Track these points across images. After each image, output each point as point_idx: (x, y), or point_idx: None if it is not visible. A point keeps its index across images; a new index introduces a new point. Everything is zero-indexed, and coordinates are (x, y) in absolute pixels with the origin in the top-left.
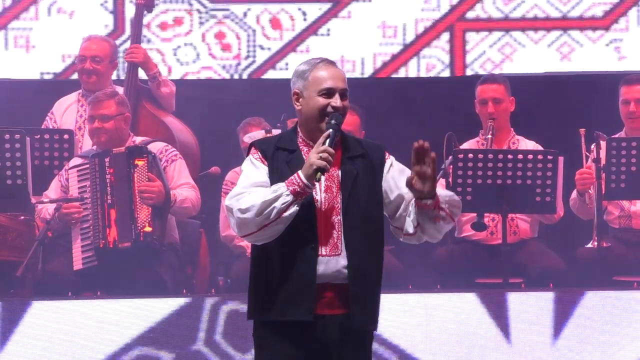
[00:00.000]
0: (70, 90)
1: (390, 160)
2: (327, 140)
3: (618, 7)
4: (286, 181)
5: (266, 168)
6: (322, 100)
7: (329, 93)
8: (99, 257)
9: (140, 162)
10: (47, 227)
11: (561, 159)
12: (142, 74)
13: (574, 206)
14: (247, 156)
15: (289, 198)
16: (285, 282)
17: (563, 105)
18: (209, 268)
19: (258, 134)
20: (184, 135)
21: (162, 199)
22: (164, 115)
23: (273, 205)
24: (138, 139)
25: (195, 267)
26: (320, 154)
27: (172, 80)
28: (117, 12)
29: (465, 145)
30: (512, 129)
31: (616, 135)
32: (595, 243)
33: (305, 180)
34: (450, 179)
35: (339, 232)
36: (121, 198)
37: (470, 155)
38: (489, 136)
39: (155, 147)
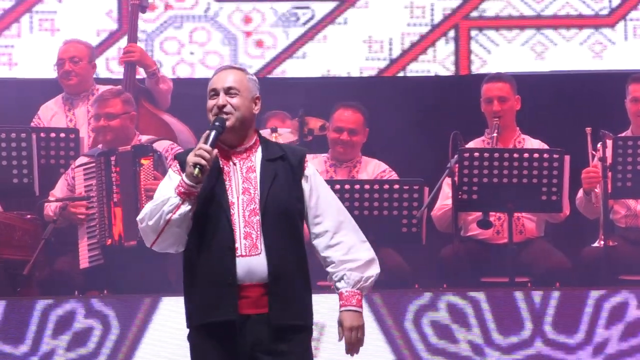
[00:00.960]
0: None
1: (310, 169)
2: (209, 140)
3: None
4: (176, 185)
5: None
6: (210, 102)
7: (214, 94)
8: (105, 256)
9: (145, 161)
10: (53, 225)
11: (567, 158)
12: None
13: (580, 205)
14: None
15: (176, 200)
16: (207, 285)
17: (569, 104)
18: None
19: (264, 132)
20: (183, 134)
21: None
22: (163, 114)
23: (162, 209)
24: (144, 138)
25: None
26: (195, 152)
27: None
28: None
29: (471, 144)
30: (517, 128)
31: (622, 134)
32: (602, 242)
33: (186, 180)
34: (455, 178)
35: (258, 232)
36: (127, 196)
37: (476, 154)
38: (495, 135)
39: (161, 145)
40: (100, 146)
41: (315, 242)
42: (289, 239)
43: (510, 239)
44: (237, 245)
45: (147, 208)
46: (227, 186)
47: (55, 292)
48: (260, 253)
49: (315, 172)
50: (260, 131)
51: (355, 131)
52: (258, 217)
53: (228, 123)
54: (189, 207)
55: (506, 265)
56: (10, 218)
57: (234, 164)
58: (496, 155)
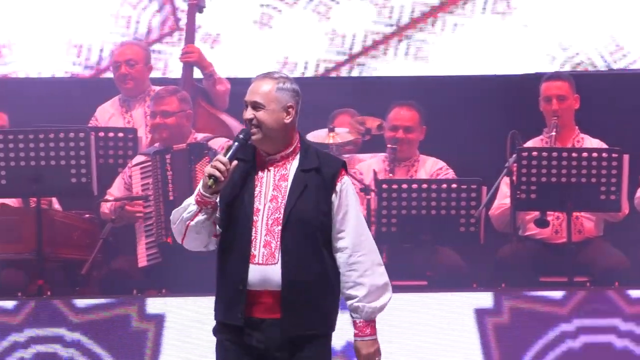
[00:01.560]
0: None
1: (342, 184)
2: (229, 151)
3: None
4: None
5: None
6: (244, 113)
7: (245, 105)
8: (163, 254)
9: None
10: (111, 225)
11: (626, 157)
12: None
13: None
14: None
15: (194, 208)
16: (224, 287)
17: (628, 103)
18: None
19: (321, 133)
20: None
21: None
22: (221, 113)
23: (182, 216)
24: (200, 136)
25: None
26: (212, 163)
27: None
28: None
29: (529, 143)
30: (576, 127)
31: None
32: None
33: (201, 190)
34: (514, 177)
35: (277, 242)
36: (183, 194)
37: (535, 153)
38: (553, 134)
39: (217, 143)
40: (156, 145)
41: (336, 255)
42: (310, 250)
43: (569, 239)
44: (255, 252)
45: (175, 211)
46: (256, 193)
47: (114, 291)
48: (276, 263)
49: (348, 186)
50: (319, 131)
51: (411, 128)
52: (279, 227)
53: (254, 137)
54: (205, 215)
55: (565, 264)
56: (69, 218)
57: (268, 170)
58: (554, 154)
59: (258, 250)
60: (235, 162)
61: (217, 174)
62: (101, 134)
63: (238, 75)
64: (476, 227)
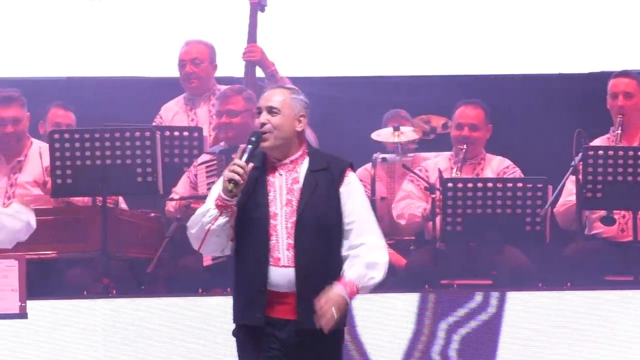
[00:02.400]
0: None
1: (350, 178)
2: (245, 154)
3: None
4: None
5: None
6: (256, 120)
7: (259, 112)
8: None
9: None
10: (177, 224)
11: None
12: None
13: None
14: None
15: (214, 212)
16: (243, 289)
17: None
18: None
19: (386, 132)
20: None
21: None
22: None
23: (201, 220)
24: None
25: None
26: (230, 167)
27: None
28: None
29: (596, 142)
30: None
31: None
32: None
33: (222, 194)
34: (580, 176)
35: (297, 243)
36: None
37: (600, 152)
38: (618, 131)
39: None
40: (222, 144)
41: (344, 241)
42: (324, 248)
43: (635, 237)
44: (280, 255)
45: (193, 216)
46: (270, 198)
47: (180, 289)
48: (294, 264)
49: (355, 180)
50: (383, 129)
51: (477, 127)
52: (295, 227)
53: (267, 143)
54: (226, 218)
55: (631, 263)
56: (135, 217)
57: (280, 175)
58: (620, 153)
59: (282, 253)
60: (251, 165)
61: (237, 177)
62: (167, 133)
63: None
64: (542, 226)
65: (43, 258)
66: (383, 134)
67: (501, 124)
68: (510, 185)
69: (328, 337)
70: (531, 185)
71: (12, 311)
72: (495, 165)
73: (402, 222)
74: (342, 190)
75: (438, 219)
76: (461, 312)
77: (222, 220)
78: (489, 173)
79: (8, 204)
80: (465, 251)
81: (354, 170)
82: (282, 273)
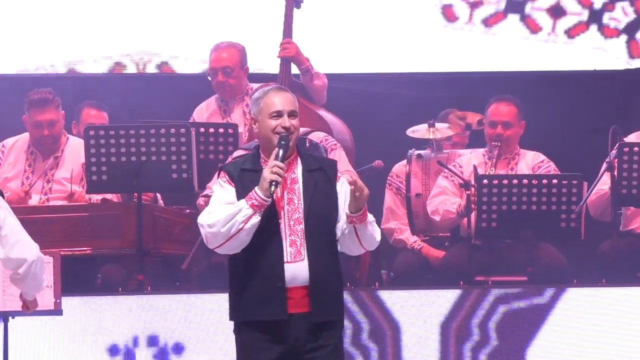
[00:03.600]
0: None
1: (342, 178)
2: (278, 157)
3: None
4: (246, 197)
5: (233, 189)
6: (273, 122)
7: (278, 115)
8: None
9: None
10: None
11: None
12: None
13: None
14: (217, 179)
15: (249, 211)
16: (259, 287)
17: None
18: (369, 261)
19: (421, 128)
20: (338, 128)
21: None
22: (318, 108)
23: (235, 219)
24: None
25: (358, 261)
26: (272, 169)
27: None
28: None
29: (632, 137)
30: None
31: None
32: None
33: (261, 194)
34: (615, 172)
35: (302, 240)
36: None
37: (636, 148)
38: None
39: (316, 136)
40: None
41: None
42: (328, 243)
43: None
44: (284, 252)
45: (215, 216)
46: (274, 198)
47: (214, 285)
48: (303, 259)
49: (345, 182)
50: (418, 126)
51: (510, 124)
52: (302, 226)
53: (290, 143)
54: (259, 218)
55: None
56: (170, 213)
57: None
58: None
59: (286, 249)
60: (284, 165)
61: (279, 178)
62: (202, 129)
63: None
64: (577, 222)
65: (78, 254)
66: (418, 131)
67: (537, 120)
68: (545, 181)
69: (334, 327)
70: (566, 181)
71: (47, 307)
72: (530, 160)
73: (437, 218)
74: (339, 188)
75: (473, 216)
76: (496, 308)
77: (255, 219)
78: (523, 167)
79: (45, 200)
80: (500, 248)
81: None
82: (287, 268)
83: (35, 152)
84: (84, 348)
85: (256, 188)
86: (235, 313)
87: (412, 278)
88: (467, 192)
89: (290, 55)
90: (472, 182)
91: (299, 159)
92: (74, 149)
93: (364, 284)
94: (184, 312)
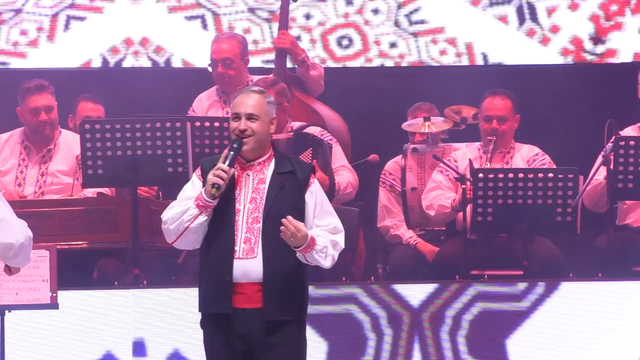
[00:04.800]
0: None
1: (315, 185)
2: (227, 160)
3: None
4: (196, 197)
5: (202, 184)
6: (233, 124)
7: (237, 117)
8: None
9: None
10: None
11: None
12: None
13: None
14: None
15: (195, 211)
16: (210, 281)
17: None
18: (365, 255)
19: (417, 122)
20: (334, 122)
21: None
22: (314, 102)
23: (181, 218)
24: (296, 124)
25: (354, 255)
26: (215, 172)
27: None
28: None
29: (627, 131)
30: None
31: None
32: None
33: (204, 195)
34: (611, 166)
35: (257, 238)
36: None
37: (632, 142)
38: None
39: (311, 131)
40: None
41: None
42: (286, 245)
43: None
44: (237, 248)
45: (170, 212)
46: (236, 195)
47: None
48: (256, 256)
49: (317, 186)
50: (411, 121)
51: (505, 118)
52: (259, 225)
53: (246, 147)
54: (205, 217)
55: None
56: (165, 207)
57: (248, 175)
58: None
59: (239, 246)
60: (233, 170)
61: (221, 182)
62: (197, 123)
63: None
64: (573, 216)
65: (74, 248)
66: (414, 125)
67: (532, 114)
68: (541, 175)
69: (291, 327)
70: (562, 175)
71: (43, 301)
72: (525, 153)
73: (432, 213)
74: (308, 196)
75: (468, 210)
76: (492, 302)
77: (202, 219)
78: (518, 161)
79: (40, 193)
80: (496, 242)
81: (315, 174)
82: (237, 264)
83: (29, 145)
84: (80, 342)
85: (203, 189)
86: (199, 304)
87: (408, 272)
88: (463, 186)
89: (285, 46)
90: (468, 176)
91: (273, 160)
92: (67, 142)
93: (360, 278)
94: (179, 305)
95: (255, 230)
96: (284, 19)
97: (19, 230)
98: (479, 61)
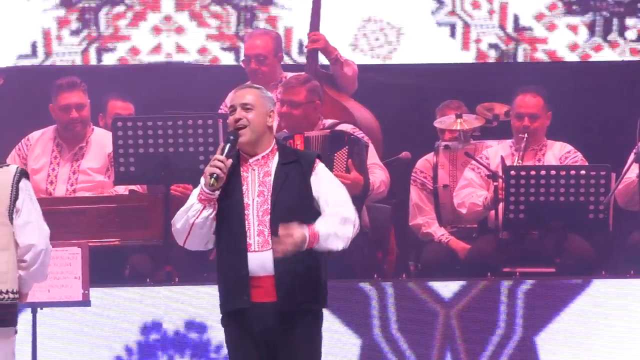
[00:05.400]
0: None
1: (319, 167)
2: (224, 151)
3: None
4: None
5: None
6: (230, 118)
7: (232, 110)
8: None
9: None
10: None
11: None
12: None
13: None
14: None
15: (198, 206)
16: (227, 277)
17: None
18: (396, 253)
19: (449, 119)
20: (366, 119)
21: (357, 191)
22: (346, 100)
23: (186, 215)
24: (328, 122)
25: (386, 253)
26: (211, 163)
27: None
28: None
29: None
30: None
31: None
32: None
33: (204, 188)
34: None
35: (269, 229)
36: None
37: None
38: None
39: (343, 129)
40: (284, 130)
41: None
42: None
43: None
44: (251, 241)
45: (178, 213)
46: (244, 190)
47: None
48: (270, 248)
49: (323, 168)
50: (443, 118)
51: (536, 116)
52: (269, 217)
53: (243, 138)
54: (210, 211)
55: None
56: None
57: (253, 169)
58: None
59: (253, 239)
60: (230, 160)
61: (218, 171)
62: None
63: None
64: (605, 213)
65: (106, 245)
66: (445, 122)
67: (564, 111)
68: (573, 172)
69: (307, 319)
70: (594, 172)
71: (76, 298)
72: (557, 151)
73: (463, 211)
74: (313, 179)
75: (500, 207)
76: (523, 299)
77: (206, 213)
78: (550, 158)
79: (71, 190)
80: (528, 239)
81: (321, 159)
82: (253, 258)
83: (61, 143)
84: (112, 338)
85: (202, 182)
86: (220, 305)
87: (440, 270)
88: (495, 184)
89: (319, 47)
90: (500, 174)
91: (276, 152)
92: (99, 140)
93: (391, 275)
94: (210, 302)
95: (266, 222)
96: (315, 19)
97: (44, 237)
98: (520, 58)
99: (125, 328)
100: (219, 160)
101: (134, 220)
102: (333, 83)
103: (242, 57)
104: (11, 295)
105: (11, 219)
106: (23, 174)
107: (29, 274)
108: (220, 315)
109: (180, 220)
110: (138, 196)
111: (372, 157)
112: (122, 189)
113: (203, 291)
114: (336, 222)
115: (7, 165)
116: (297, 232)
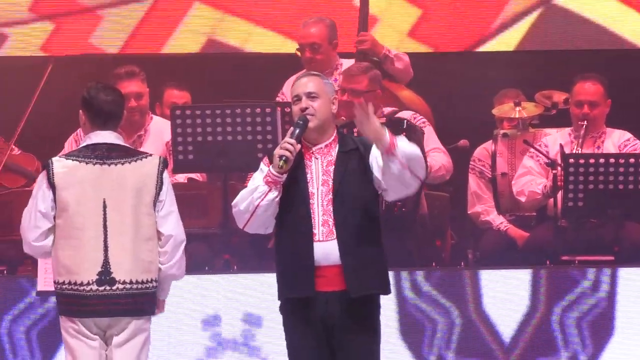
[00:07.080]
0: None
1: (373, 147)
2: (293, 135)
3: None
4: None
5: (268, 170)
6: (295, 107)
7: (298, 99)
8: None
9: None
10: None
11: None
12: None
13: None
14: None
15: (265, 188)
16: (290, 266)
17: None
18: (452, 241)
19: (508, 107)
20: (417, 107)
21: None
22: (397, 88)
23: (251, 196)
24: (387, 110)
25: (444, 241)
26: (281, 145)
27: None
28: None
29: None
30: None
31: None
32: None
33: (272, 170)
34: None
35: (333, 219)
36: None
37: None
38: None
39: (404, 115)
40: (342, 118)
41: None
42: (363, 221)
43: None
44: (316, 231)
45: (240, 195)
46: (308, 179)
47: None
48: (335, 238)
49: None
50: (502, 106)
51: (596, 103)
52: (332, 206)
53: (311, 124)
54: (275, 193)
55: None
56: None
57: (316, 158)
58: None
59: (318, 228)
60: (299, 145)
61: (288, 154)
62: (287, 109)
63: None
64: None
65: None
66: (504, 110)
67: (623, 99)
68: (632, 160)
69: (370, 308)
70: None
71: None
72: (616, 138)
73: (522, 199)
74: (370, 159)
75: (559, 195)
76: (582, 288)
77: (272, 195)
78: (609, 146)
79: None
80: (586, 227)
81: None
82: (317, 247)
83: (120, 131)
84: (171, 328)
85: (271, 165)
86: (278, 290)
87: (498, 258)
88: (554, 172)
89: (366, 47)
90: (559, 162)
91: (337, 141)
92: (157, 128)
93: (448, 263)
94: (269, 291)
95: (331, 212)
96: (363, 20)
97: (182, 228)
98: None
99: (183, 317)
100: (289, 144)
101: (193, 208)
102: (386, 73)
103: (297, 46)
104: (155, 284)
105: (155, 209)
106: (165, 164)
107: (168, 267)
108: (279, 303)
109: (244, 202)
110: (197, 184)
111: (433, 141)
112: (182, 177)
113: (261, 280)
114: (415, 149)
115: (150, 155)
116: (378, 124)
